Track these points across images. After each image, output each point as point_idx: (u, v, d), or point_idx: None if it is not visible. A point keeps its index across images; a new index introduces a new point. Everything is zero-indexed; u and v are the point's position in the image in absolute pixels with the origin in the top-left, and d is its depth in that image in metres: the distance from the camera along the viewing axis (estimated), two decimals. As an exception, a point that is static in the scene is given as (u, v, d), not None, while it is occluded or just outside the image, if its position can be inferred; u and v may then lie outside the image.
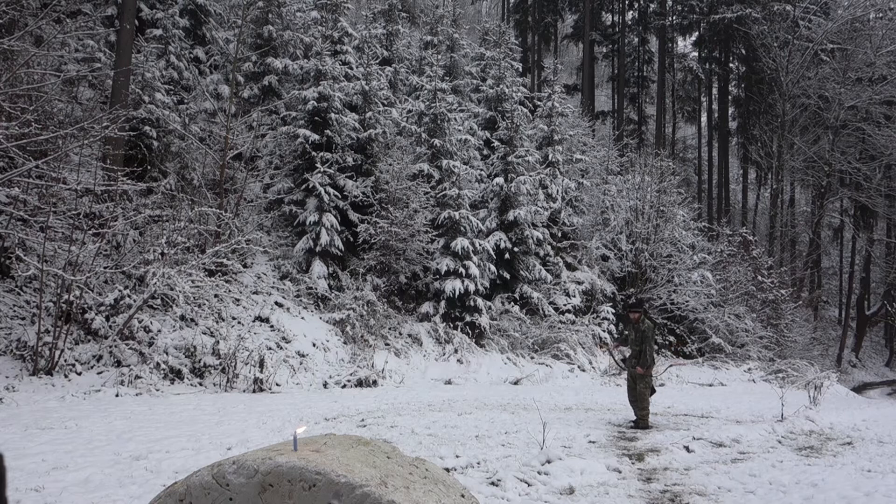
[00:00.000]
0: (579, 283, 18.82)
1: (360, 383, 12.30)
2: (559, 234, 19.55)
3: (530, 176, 18.63)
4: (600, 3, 40.90)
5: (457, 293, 15.46)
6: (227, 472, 2.71)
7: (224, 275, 13.01)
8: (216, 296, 12.39)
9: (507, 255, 17.25)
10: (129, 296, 10.77)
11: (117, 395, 9.27)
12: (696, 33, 40.07)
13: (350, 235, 15.90)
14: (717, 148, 40.48)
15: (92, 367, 9.91)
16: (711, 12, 37.84)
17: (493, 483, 5.30)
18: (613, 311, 19.00)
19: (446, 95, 19.57)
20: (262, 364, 11.14)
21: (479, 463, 5.91)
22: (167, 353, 10.61)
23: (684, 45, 45.54)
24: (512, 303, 17.30)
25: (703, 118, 43.48)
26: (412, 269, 16.31)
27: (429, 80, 18.91)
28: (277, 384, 11.26)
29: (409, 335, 15.20)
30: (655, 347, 18.25)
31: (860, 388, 26.54)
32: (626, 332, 8.91)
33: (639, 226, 20.06)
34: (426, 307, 15.79)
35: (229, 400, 9.64)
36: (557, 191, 19.81)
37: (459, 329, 15.50)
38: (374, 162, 16.69)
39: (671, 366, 14.58)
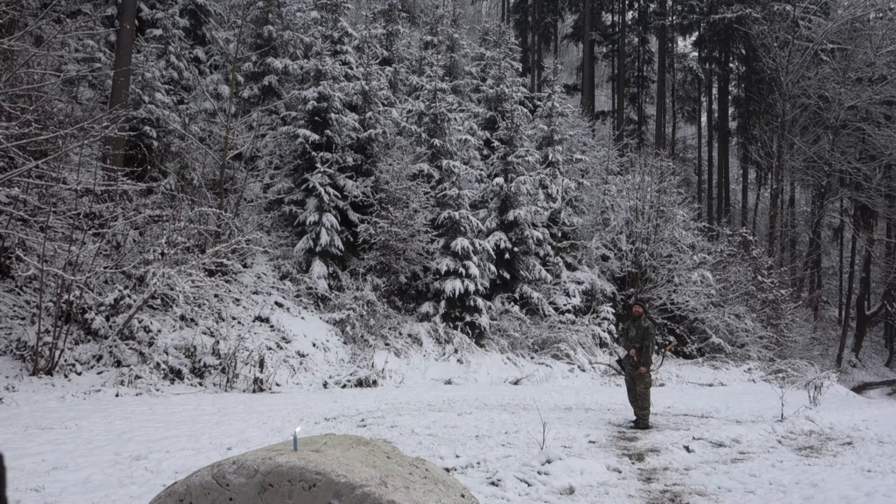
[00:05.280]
0: (579, 283, 18.82)
1: (360, 383, 12.30)
2: (559, 234, 19.55)
3: (530, 176, 18.63)
4: (600, 3, 40.90)
5: (457, 293, 15.45)
6: (227, 472, 2.71)
7: (224, 275, 13.01)
8: (216, 296, 12.39)
9: (507, 255, 17.25)
10: (129, 296, 10.76)
11: (117, 395, 9.27)
12: (696, 33, 40.07)
13: (350, 235, 15.89)
14: (717, 148, 40.49)
15: (92, 367, 9.91)
16: (711, 12, 37.84)
17: (493, 483, 5.30)
18: (613, 311, 19.00)
19: (446, 95, 19.57)
20: (262, 364, 11.14)
21: (479, 463, 5.90)
22: (167, 353, 10.61)
23: (684, 45, 45.59)
24: (512, 303, 17.29)
25: (703, 118, 43.48)
26: (412, 269, 16.31)
27: (429, 80, 18.91)
28: (277, 384, 11.26)
29: (409, 335, 15.20)
30: (655, 347, 18.28)
31: (860, 388, 26.54)
32: (626, 329, 8.89)
33: (639, 226, 20.06)
34: (426, 307, 15.79)
35: (229, 400, 9.64)
36: (557, 191, 19.81)
37: (459, 329, 15.50)
38: (374, 162, 16.69)
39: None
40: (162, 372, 10.34)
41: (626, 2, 40.74)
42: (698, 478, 5.87)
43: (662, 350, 15.78)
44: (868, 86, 30.08)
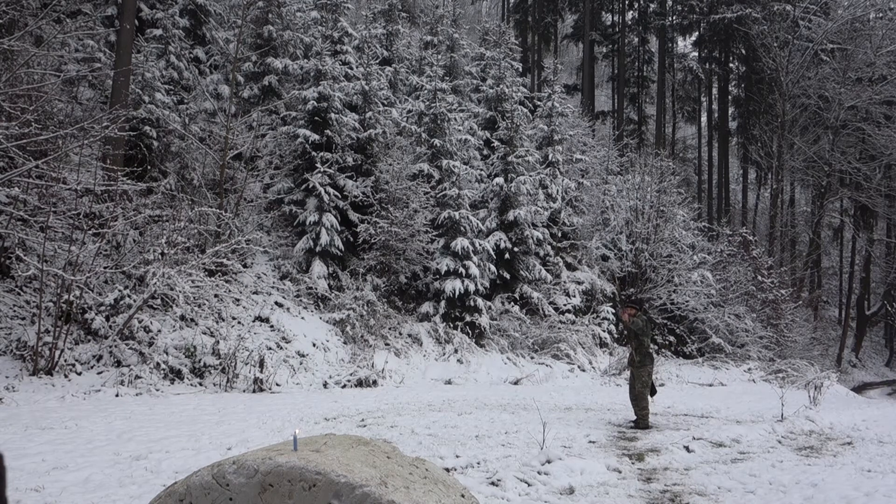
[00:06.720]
0: (579, 283, 18.82)
1: (360, 383, 12.30)
2: (559, 234, 19.55)
3: (530, 176, 18.63)
4: (600, 3, 40.91)
5: (457, 293, 15.45)
6: (227, 472, 2.71)
7: (224, 275, 13.01)
8: (216, 296, 12.39)
9: (507, 255, 17.25)
10: (129, 296, 10.76)
11: (117, 395, 9.27)
12: (696, 33, 40.09)
13: (350, 235, 15.89)
14: (717, 148, 40.50)
15: (92, 367, 9.91)
16: (711, 12, 37.85)
17: (493, 483, 5.30)
18: (613, 311, 19.00)
19: (446, 95, 19.57)
20: (262, 364, 11.14)
21: (479, 463, 5.90)
22: (167, 353, 10.61)
23: (684, 45, 45.59)
24: (512, 303, 17.29)
25: (703, 118, 43.50)
26: (412, 269, 16.31)
27: (429, 80, 18.91)
28: (277, 384, 11.26)
29: (409, 335, 15.20)
30: (655, 347, 18.27)
31: (860, 388, 26.54)
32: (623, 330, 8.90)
33: (639, 226, 20.06)
34: (426, 307, 15.79)
35: (229, 400, 9.64)
36: (557, 191, 19.81)
37: (459, 329, 15.50)
38: (374, 162, 16.69)
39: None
40: (162, 372, 10.34)
41: (626, 2, 40.74)
42: (698, 478, 5.87)
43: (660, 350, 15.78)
44: (868, 86, 30.07)
